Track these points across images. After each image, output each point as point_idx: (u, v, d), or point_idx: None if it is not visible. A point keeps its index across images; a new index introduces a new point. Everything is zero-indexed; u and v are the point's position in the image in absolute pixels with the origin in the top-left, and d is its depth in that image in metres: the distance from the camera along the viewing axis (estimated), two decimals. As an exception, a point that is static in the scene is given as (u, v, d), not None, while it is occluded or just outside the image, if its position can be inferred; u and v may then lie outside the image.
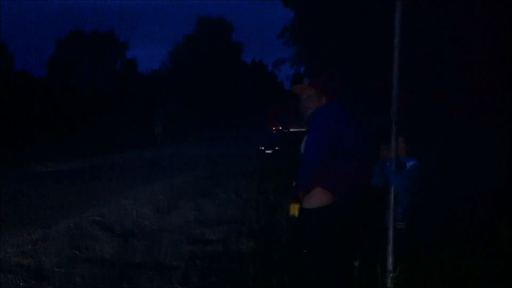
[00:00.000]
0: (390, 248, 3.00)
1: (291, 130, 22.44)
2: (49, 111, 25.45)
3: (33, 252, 4.66)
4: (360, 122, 3.15)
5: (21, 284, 3.87)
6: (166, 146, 23.03)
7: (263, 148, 16.54)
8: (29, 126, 22.51)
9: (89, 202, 7.32)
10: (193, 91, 39.81)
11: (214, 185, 9.11)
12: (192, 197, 7.73)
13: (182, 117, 34.26)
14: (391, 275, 2.97)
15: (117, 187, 8.94)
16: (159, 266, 4.30)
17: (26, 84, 26.54)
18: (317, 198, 2.76)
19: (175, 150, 19.87)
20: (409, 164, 3.43)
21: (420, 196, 3.60)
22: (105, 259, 4.50)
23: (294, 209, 2.79)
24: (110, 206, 6.90)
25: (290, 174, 4.41)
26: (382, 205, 3.16)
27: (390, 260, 3.00)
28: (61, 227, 5.65)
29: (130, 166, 13.56)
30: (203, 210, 6.71)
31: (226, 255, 4.50)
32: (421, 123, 7.20)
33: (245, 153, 17.22)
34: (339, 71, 3.63)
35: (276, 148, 16.22)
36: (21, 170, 12.35)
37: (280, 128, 23.96)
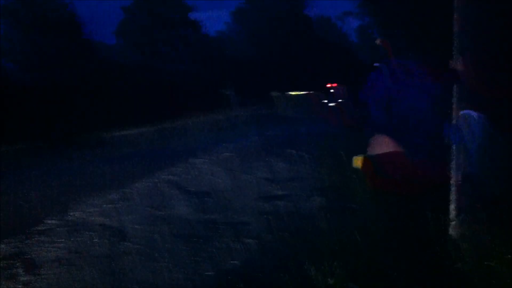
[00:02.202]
0: (452, 197, 3.07)
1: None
2: (118, 78, 26.06)
3: (112, 211, 5.01)
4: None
5: (100, 241, 4.13)
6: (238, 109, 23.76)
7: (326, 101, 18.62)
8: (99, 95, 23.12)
9: (163, 163, 7.76)
10: (259, 52, 39.21)
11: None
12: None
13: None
14: (453, 222, 3.04)
15: (188, 148, 9.36)
16: (231, 223, 4.52)
17: (97, 52, 27.37)
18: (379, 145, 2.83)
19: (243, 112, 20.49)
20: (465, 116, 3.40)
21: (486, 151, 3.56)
22: (180, 217, 4.75)
23: (358, 161, 2.87)
24: (183, 166, 7.23)
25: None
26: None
27: (452, 208, 3.07)
28: (137, 187, 6.01)
29: (199, 128, 14.05)
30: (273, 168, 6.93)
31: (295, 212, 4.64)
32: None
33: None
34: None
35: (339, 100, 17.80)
36: (93, 136, 13.07)
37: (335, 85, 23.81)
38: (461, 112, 3.37)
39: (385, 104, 2.79)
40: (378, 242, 3.40)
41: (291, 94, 28.99)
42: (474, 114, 3.42)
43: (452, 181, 3.08)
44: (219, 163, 8.38)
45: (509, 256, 3.05)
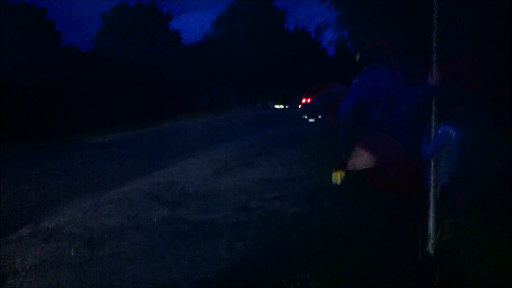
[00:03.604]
0: (431, 212, 3.02)
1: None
2: (96, 85, 26.43)
3: (85, 221, 4.94)
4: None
5: (73, 252, 4.03)
6: (211, 116, 23.96)
7: (305, 117, 17.56)
8: (76, 100, 23.56)
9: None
10: (238, 62, 40.01)
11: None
12: (238, 167, 7.96)
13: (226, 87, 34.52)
14: (432, 240, 2.99)
15: (165, 156, 9.39)
16: (206, 232, 4.46)
17: (73, 60, 27.61)
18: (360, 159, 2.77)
19: (220, 119, 20.49)
20: (439, 131, 3.34)
21: (463, 164, 3.53)
22: (154, 227, 4.68)
23: (337, 176, 2.78)
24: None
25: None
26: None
27: (431, 224, 3.02)
28: (111, 196, 5.96)
29: (175, 135, 14.08)
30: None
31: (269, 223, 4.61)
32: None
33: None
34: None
35: (319, 116, 16.85)
36: (72, 141, 13.13)
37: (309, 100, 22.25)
38: (440, 130, 3.27)
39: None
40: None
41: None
42: (451, 131, 3.32)
43: (430, 195, 3.00)
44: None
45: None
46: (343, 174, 2.78)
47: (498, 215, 3.71)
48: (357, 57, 2.93)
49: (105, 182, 7.18)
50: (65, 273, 3.65)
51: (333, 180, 2.80)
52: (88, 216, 5.22)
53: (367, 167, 2.75)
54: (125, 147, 12.56)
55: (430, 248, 3.02)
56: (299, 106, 20.17)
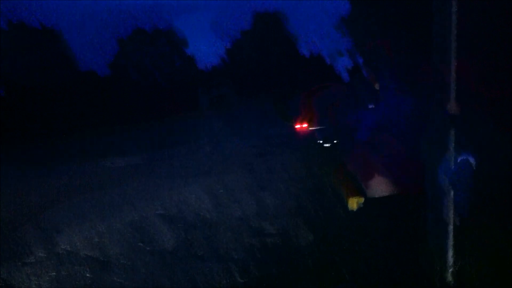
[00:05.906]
0: (450, 241, 2.95)
1: None
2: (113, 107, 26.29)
3: (100, 244, 4.94)
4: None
5: (89, 275, 4.08)
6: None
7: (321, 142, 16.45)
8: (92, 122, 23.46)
9: (151, 195, 7.72)
10: (251, 85, 39.91)
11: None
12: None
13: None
14: (451, 269, 2.96)
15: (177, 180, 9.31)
16: (219, 258, 4.43)
17: (92, 84, 27.54)
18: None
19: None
20: (458, 159, 3.25)
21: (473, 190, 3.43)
22: (168, 251, 4.68)
23: (353, 203, 2.71)
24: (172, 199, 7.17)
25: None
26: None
27: (450, 254, 2.96)
28: (125, 220, 5.94)
29: (188, 158, 14.01)
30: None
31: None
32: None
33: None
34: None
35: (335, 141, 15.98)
36: (88, 165, 13.05)
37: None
38: (459, 158, 3.16)
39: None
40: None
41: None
42: (471, 159, 3.22)
43: (449, 224, 2.92)
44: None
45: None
46: (361, 200, 2.71)
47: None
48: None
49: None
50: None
51: (349, 207, 2.73)
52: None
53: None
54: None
55: (449, 278, 2.94)
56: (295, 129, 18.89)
